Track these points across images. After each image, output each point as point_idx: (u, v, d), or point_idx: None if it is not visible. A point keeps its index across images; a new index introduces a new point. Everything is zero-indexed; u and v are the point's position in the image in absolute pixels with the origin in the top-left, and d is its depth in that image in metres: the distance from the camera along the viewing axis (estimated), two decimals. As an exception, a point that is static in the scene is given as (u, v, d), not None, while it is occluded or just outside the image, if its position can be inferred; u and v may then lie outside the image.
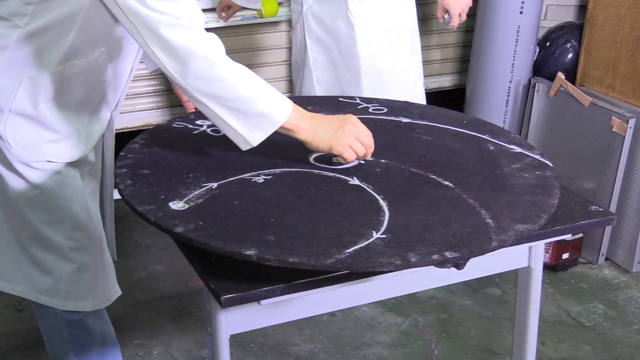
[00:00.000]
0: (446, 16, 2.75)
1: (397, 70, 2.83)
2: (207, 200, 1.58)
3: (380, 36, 2.75)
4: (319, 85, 2.81)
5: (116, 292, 2.00)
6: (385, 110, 2.11)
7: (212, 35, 1.63)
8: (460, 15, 2.73)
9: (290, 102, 1.67)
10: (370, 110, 2.11)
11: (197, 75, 1.59)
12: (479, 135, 1.96)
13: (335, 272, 1.42)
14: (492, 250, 1.45)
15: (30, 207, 1.80)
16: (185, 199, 1.58)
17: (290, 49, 3.21)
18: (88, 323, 2.00)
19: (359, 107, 2.13)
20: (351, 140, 1.70)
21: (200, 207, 1.55)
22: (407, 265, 1.38)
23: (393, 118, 2.06)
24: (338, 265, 1.36)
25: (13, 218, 1.82)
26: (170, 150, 1.82)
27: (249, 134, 1.65)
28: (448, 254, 1.40)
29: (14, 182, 1.77)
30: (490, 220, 1.52)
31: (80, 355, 2.01)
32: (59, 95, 1.75)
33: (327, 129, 1.70)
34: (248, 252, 1.38)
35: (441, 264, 1.42)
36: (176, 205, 1.55)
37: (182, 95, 2.28)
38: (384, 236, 1.45)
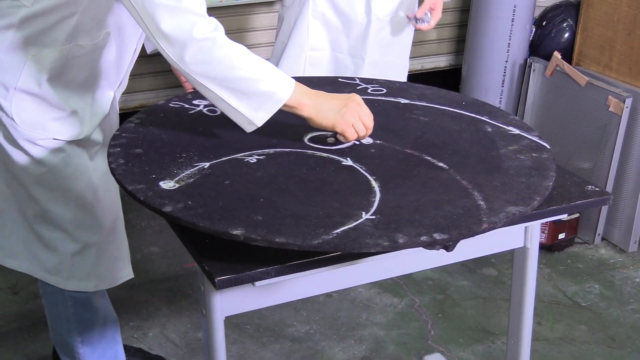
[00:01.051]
0: (427, 14, 2.69)
1: (394, 64, 2.81)
2: (198, 179, 1.58)
3: (389, 27, 2.72)
4: (309, 65, 2.77)
5: (126, 274, 2.02)
6: (385, 90, 2.10)
7: (212, 18, 1.62)
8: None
9: (293, 80, 1.65)
10: (369, 90, 2.09)
11: (196, 58, 1.58)
12: (477, 116, 1.95)
13: (322, 252, 1.41)
14: (482, 233, 1.44)
15: (36, 184, 1.81)
16: (176, 179, 1.57)
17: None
18: (94, 302, 2.02)
19: (358, 87, 2.11)
20: (354, 119, 1.69)
21: (191, 187, 1.54)
22: (394, 246, 1.37)
23: (392, 99, 2.05)
24: (325, 246, 1.36)
25: (19, 195, 1.84)
26: (165, 129, 1.80)
27: (253, 114, 1.63)
28: (437, 236, 1.39)
29: (20, 159, 1.78)
30: (482, 202, 1.51)
31: (84, 334, 2.03)
32: (63, 74, 1.76)
33: (331, 106, 1.68)
34: (235, 232, 1.38)
35: (429, 245, 1.41)
36: (167, 184, 1.54)
37: (180, 75, 2.28)
38: (373, 217, 1.44)
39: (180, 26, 1.56)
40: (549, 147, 1.78)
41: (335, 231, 1.39)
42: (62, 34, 1.72)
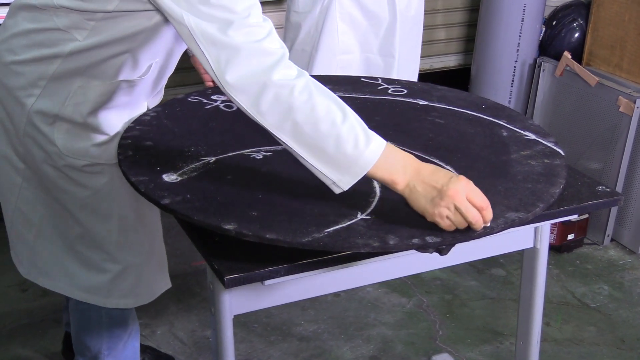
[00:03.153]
0: None
1: (412, 60, 2.80)
2: (201, 174, 1.58)
3: (410, 23, 2.71)
4: (340, 69, 2.73)
5: (164, 286, 2.00)
6: (405, 91, 2.09)
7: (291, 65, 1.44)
8: None
9: (383, 146, 1.42)
10: (390, 91, 2.08)
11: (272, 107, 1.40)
12: (495, 120, 1.93)
13: (311, 250, 1.38)
14: (476, 238, 1.42)
15: (79, 207, 1.79)
16: (180, 172, 1.58)
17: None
18: (129, 320, 2.03)
19: (379, 87, 2.10)
20: (448, 211, 1.40)
21: (192, 180, 1.55)
22: (384, 247, 1.36)
23: (411, 100, 2.04)
24: (314, 244, 1.35)
25: (60, 217, 1.82)
26: (179, 123, 1.81)
27: (337, 177, 1.42)
28: (429, 239, 1.38)
29: (64, 184, 1.76)
30: None
31: (111, 348, 2.03)
32: (108, 102, 1.72)
33: (426, 192, 1.43)
34: (227, 227, 1.38)
35: (421, 248, 1.39)
36: (169, 177, 1.55)
37: (200, 67, 2.26)
38: (368, 217, 1.44)
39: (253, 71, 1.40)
40: (563, 153, 1.76)
41: (327, 230, 1.39)
42: (111, 69, 1.66)
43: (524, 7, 3.48)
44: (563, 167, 1.69)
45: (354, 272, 1.59)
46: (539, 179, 1.63)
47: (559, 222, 3.03)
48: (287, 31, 2.79)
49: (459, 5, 3.95)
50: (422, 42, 2.90)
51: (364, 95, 2.06)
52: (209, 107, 1.92)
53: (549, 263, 1.91)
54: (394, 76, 2.70)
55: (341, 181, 1.42)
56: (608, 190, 1.72)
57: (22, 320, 2.66)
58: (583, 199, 1.68)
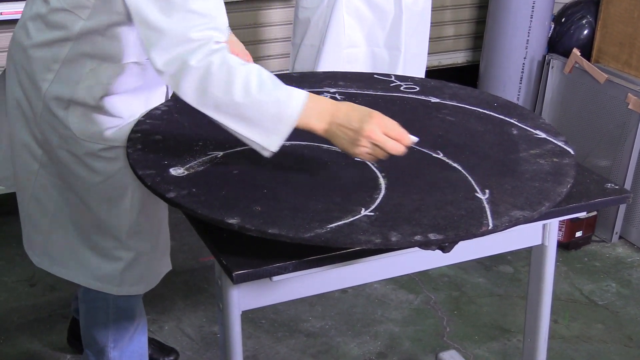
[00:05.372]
0: None
1: (419, 54, 2.80)
2: (208, 168, 1.59)
3: (416, 17, 2.71)
4: (346, 63, 2.73)
5: (166, 268, 2.02)
6: (417, 89, 2.09)
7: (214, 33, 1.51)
8: None
9: (304, 98, 1.50)
10: (402, 88, 2.08)
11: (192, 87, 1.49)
12: (506, 118, 1.93)
13: (319, 246, 1.39)
14: (480, 235, 1.42)
15: (92, 194, 1.81)
16: (187, 166, 1.59)
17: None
18: (136, 311, 2.04)
19: (392, 84, 2.10)
20: (368, 149, 1.51)
21: (199, 175, 1.56)
22: (386, 244, 1.36)
23: (423, 97, 2.04)
24: (316, 240, 1.35)
25: (74, 205, 1.84)
26: (190, 117, 1.82)
27: (265, 140, 1.50)
28: (432, 236, 1.38)
29: (77, 169, 1.79)
30: (487, 205, 1.49)
31: (118, 340, 2.05)
32: (120, 84, 1.74)
33: (345, 134, 1.51)
34: (231, 221, 1.39)
35: (424, 245, 1.39)
36: (176, 171, 1.57)
37: None
38: (372, 214, 1.44)
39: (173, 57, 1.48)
40: (573, 152, 1.75)
41: (330, 225, 1.39)
42: (120, 51, 1.69)
43: (533, 3, 3.47)
44: (572, 166, 1.68)
45: (361, 268, 1.59)
46: (546, 178, 1.62)
47: (567, 220, 3.02)
48: (296, 27, 2.79)
49: (468, 2, 3.94)
50: (431, 38, 2.89)
51: (375, 92, 2.06)
52: None
53: (556, 260, 1.91)
54: (400, 70, 2.70)
55: (270, 144, 1.50)
56: (616, 187, 1.71)
57: (30, 316, 2.67)
58: (591, 196, 1.68)
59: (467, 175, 1.62)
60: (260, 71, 1.49)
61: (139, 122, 1.78)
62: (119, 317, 2.02)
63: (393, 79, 2.15)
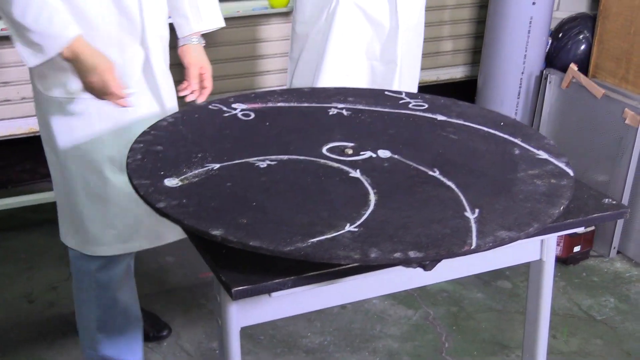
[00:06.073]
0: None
1: (412, 67, 2.81)
2: (202, 179, 1.60)
3: (411, 32, 2.72)
4: (345, 76, 2.74)
5: (121, 249, 2.13)
6: (426, 106, 2.08)
7: None
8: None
9: (67, 38, 1.80)
10: (410, 105, 2.08)
11: None
12: (510, 138, 1.90)
13: (317, 262, 1.39)
14: (462, 255, 1.40)
15: (69, 158, 1.98)
16: (182, 177, 1.60)
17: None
18: (116, 289, 2.16)
19: (401, 101, 2.11)
20: (94, 91, 1.87)
21: (192, 186, 1.57)
22: (365, 260, 1.36)
23: (430, 115, 2.03)
24: (295, 253, 1.36)
25: (63, 169, 2.02)
26: (193, 129, 1.84)
27: (27, 57, 1.83)
28: (412, 254, 1.37)
29: (57, 128, 1.97)
30: (474, 224, 1.48)
31: (105, 329, 2.17)
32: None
33: (80, 73, 1.85)
34: (214, 232, 1.40)
35: (404, 263, 1.39)
36: (170, 182, 1.58)
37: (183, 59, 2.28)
38: (356, 230, 1.44)
39: None
40: (572, 174, 1.72)
41: (312, 240, 1.39)
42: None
43: (531, 19, 3.49)
44: (568, 188, 1.65)
45: (360, 284, 1.59)
46: (540, 199, 1.60)
47: (566, 235, 3.03)
48: (294, 42, 2.80)
49: (466, 17, 3.96)
50: (429, 53, 2.92)
51: (383, 109, 2.06)
52: (227, 115, 1.94)
53: (555, 275, 1.92)
54: (396, 83, 2.71)
55: (29, 61, 1.81)
56: (614, 202, 1.72)
57: (29, 332, 2.66)
58: (589, 212, 1.68)
59: (459, 193, 1.60)
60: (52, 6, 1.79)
61: (143, 133, 1.80)
62: (100, 291, 2.14)
63: (403, 95, 2.15)
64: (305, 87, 2.58)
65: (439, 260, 1.42)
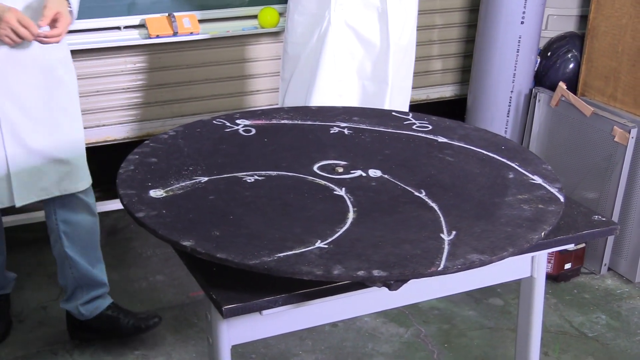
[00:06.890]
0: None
1: (404, 88, 2.82)
2: (188, 192, 1.61)
3: (402, 52, 2.74)
4: (337, 96, 2.74)
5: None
6: (430, 128, 2.08)
7: None
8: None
9: None
10: (414, 126, 2.08)
11: None
12: (507, 162, 1.89)
13: (309, 280, 1.39)
14: (428, 276, 1.39)
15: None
16: (167, 189, 1.62)
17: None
18: (74, 222, 2.52)
19: (405, 122, 2.11)
20: (5, 31, 2.09)
21: (175, 198, 1.58)
22: (327, 277, 1.36)
23: (431, 136, 2.02)
24: (259, 267, 1.36)
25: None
26: (192, 143, 1.85)
27: None
28: (375, 272, 1.37)
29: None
30: (447, 246, 1.46)
31: (69, 242, 2.53)
32: None
33: None
34: (185, 243, 1.41)
35: (367, 280, 1.38)
36: (155, 193, 1.60)
37: None
38: (325, 246, 1.44)
39: None
40: (563, 200, 1.70)
41: (279, 254, 1.39)
42: None
43: (519, 38, 3.51)
44: (555, 214, 1.63)
45: (351, 301, 1.59)
46: (522, 224, 1.58)
47: (556, 252, 3.03)
48: (286, 62, 2.81)
49: (455, 37, 3.98)
50: (419, 72, 2.93)
51: (385, 129, 2.06)
52: (228, 130, 1.95)
53: (546, 292, 1.92)
54: (387, 102, 2.72)
55: None
56: (604, 219, 1.73)
57: (19, 351, 2.65)
58: (579, 229, 1.69)
59: (440, 215, 1.59)
60: None
61: (141, 145, 1.82)
62: (63, 225, 2.51)
63: (410, 117, 2.15)
64: (316, 105, 2.58)
65: (405, 281, 1.40)
